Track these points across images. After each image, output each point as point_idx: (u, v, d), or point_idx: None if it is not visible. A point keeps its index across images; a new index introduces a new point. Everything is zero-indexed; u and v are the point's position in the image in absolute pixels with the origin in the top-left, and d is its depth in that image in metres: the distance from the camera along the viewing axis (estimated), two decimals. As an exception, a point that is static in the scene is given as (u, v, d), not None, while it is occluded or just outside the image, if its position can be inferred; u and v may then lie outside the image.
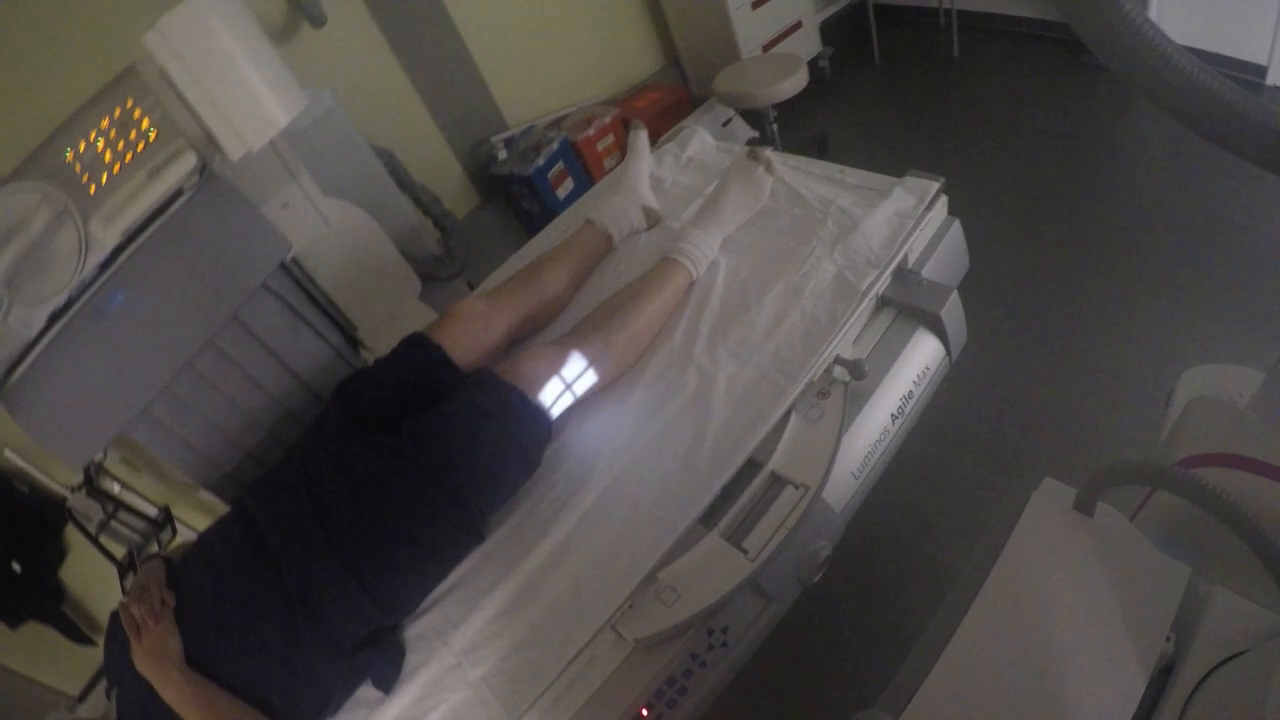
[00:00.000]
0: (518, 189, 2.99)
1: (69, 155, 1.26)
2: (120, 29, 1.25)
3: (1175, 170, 2.63)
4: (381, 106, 2.74)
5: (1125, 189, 2.68)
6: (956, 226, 1.68)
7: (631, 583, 1.18)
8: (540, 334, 1.65)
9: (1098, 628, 0.77)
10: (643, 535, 1.22)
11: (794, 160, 1.84)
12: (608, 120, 3.08)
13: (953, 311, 1.51)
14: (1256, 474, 1.02)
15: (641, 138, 1.87)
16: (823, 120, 3.43)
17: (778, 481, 1.27)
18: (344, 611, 1.19)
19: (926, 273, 1.58)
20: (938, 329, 1.50)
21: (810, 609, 1.40)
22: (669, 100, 3.31)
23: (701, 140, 2.02)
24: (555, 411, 1.38)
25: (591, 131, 3.03)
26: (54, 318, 1.26)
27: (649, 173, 1.87)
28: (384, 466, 1.26)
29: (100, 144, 1.25)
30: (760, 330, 1.43)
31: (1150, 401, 1.65)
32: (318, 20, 2.35)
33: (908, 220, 1.55)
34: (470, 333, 1.49)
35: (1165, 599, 0.77)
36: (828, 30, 3.75)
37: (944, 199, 1.64)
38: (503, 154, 3.03)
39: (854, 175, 1.73)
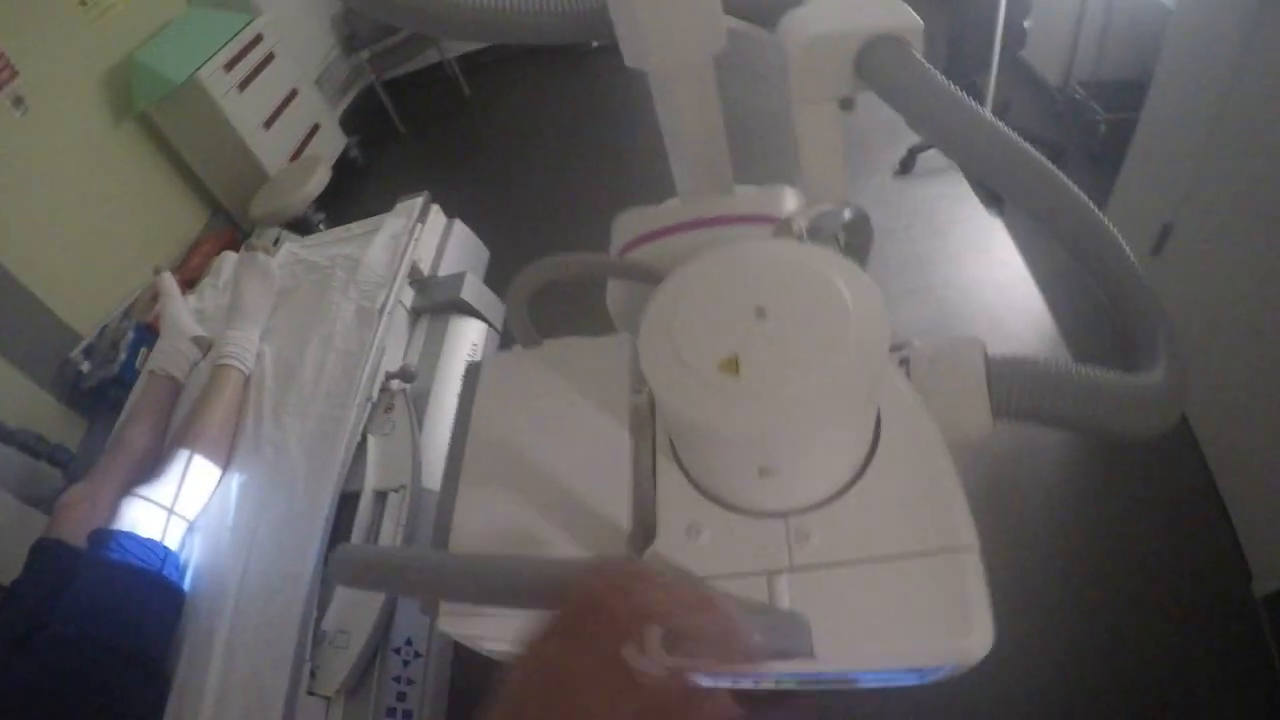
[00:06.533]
0: (115, 392, 2.87)
1: None
2: None
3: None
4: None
5: (632, 126, 3.23)
6: (459, 225, 1.98)
7: (292, 641, 1.25)
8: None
9: (581, 428, 0.77)
10: (286, 594, 1.31)
11: (307, 240, 2.06)
12: (168, 289, 3.09)
13: (474, 289, 1.78)
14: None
15: (165, 278, 1.99)
16: (368, 202, 3.66)
17: (380, 496, 1.45)
18: None
19: (443, 272, 1.86)
20: (467, 310, 1.77)
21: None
22: (220, 245, 3.33)
23: (229, 261, 2.17)
24: (172, 537, 1.47)
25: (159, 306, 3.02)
26: None
27: (188, 309, 1.98)
28: (46, 664, 1.27)
29: None
30: (309, 384, 1.60)
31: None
32: None
33: (402, 237, 1.80)
34: (80, 516, 1.51)
35: (620, 366, 0.80)
36: (350, 121, 4.01)
37: (435, 207, 1.93)
38: (86, 366, 2.95)
39: (358, 226, 1.97)
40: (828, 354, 0.52)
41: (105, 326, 3.09)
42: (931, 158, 2.82)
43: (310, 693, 1.26)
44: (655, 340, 0.58)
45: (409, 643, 1.34)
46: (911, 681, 0.72)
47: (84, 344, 3.03)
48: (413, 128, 4.05)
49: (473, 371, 0.90)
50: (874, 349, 0.52)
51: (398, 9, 0.79)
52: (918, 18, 0.72)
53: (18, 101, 2.91)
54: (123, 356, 2.86)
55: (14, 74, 2.89)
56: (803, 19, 0.77)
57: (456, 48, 4.07)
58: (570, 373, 0.85)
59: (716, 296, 0.61)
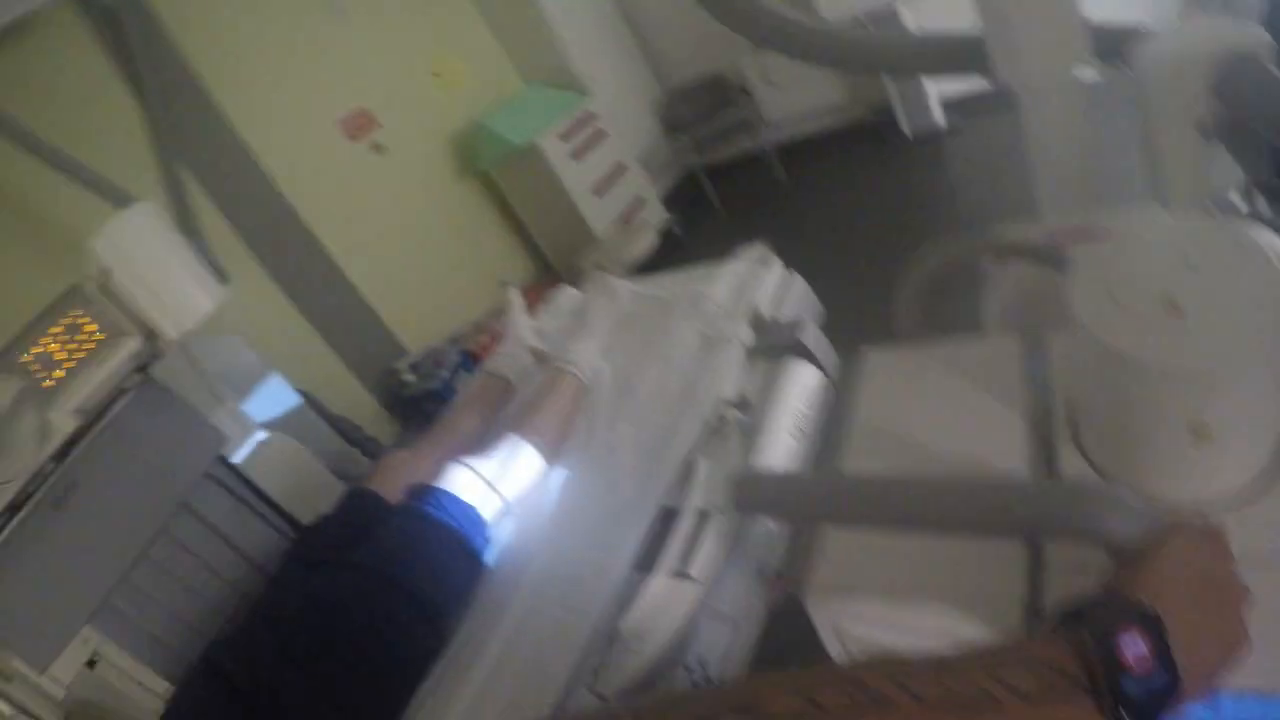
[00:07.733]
0: (430, 406, 3.13)
1: (26, 357, 1.42)
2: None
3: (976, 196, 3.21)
4: (291, 352, 2.94)
5: (943, 217, 3.21)
6: (798, 278, 1.95)
7: (586, 632, 1.22)
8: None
9: (970, 421, 0.86)
10: (590, 586, 1.28)
11: (645, 279, 2.15)
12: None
13: (813, 335, 1.73)
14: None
15: (513, 291, 2.11)
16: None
17: (704, 515, 1.36)
18: None
19: (783, 318, 1.83)
20: (804, 353, 1.71)
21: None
22: (544, 292, 3.60)
23: (568, 293, 2.29)
24: (488, 510, 1.48)
25: (485, 338, 3.32)
26: (14, 509, 1.34)
27: (529, 323, 2.07)
28: (340, 585, 1.32)
29: (53, 347, 1.43)
30: (648, 397, 1.62)
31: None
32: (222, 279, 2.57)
33: (746, 277, 1.82)
34: (399, 477, 1.58)
35: (1010, 362, 0.89)
36: (669, 200, 4.26)
37: (775, 259, 1.93)
38: (410, 377, 3.26)
39: (696, 269, 2.03)
40: (1263, 297, 0.55)
41: (432, 348, 3.40)
42: None
43: (589, 689, 1.20)
44: (1089, 288, 0.63)
45: (701, 664, 1.24)
46: None
47: (410, 359, 3.35)
48: (730, 208, 4.21)
49: (856, 362, 1.01)
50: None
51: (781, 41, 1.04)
52: (1266, 34, 0.80)
53: (378, 148, 3.47)
54: (445, 374, 3.16)
55: (377, 126, 3.47)
56: (1156, 48, 0.90)
57: (773, 135, 4.23)
58: (957, 370, 0.92)
59: (1143, 255, 0.64)
